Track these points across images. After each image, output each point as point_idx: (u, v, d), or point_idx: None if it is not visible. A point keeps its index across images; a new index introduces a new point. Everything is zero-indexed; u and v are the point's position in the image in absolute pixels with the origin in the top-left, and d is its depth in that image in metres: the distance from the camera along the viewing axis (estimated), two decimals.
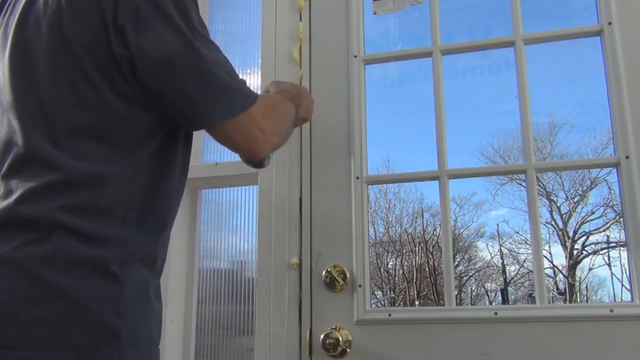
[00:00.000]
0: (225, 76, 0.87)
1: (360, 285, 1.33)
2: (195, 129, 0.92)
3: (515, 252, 16.48)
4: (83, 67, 0.80)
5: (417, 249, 16.56)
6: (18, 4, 0.89)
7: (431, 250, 16.32)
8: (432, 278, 16.13)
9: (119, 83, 0.81)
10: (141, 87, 0.82)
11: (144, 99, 0.83)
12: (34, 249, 0.75)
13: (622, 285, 14.42)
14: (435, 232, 16.21)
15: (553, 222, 15.66)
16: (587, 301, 15.14)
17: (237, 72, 0.91)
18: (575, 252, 15.34)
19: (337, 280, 1.34)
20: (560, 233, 15.51)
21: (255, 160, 0.98)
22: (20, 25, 0.86)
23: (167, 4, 0.82)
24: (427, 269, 16.35)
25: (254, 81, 1.68)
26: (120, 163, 0.82)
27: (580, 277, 15.53)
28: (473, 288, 17.41)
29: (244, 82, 0.91)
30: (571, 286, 15.04)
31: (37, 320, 0.72)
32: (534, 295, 1.36)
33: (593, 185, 15.22)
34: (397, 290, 16.85)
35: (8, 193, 0.79)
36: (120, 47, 0.80)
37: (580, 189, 15.53)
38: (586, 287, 15.82)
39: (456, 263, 15.92)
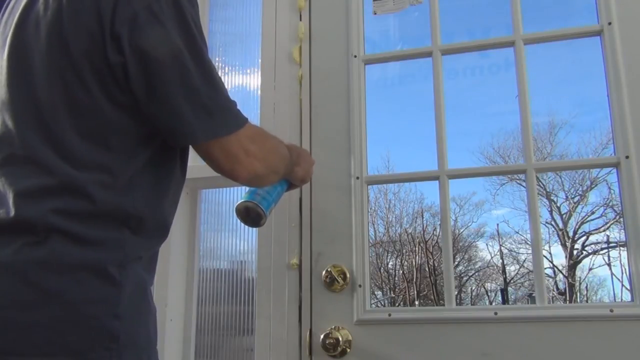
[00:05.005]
0: (215, 96, 0.85)
1: (360, 285, 1.33)
2: (178, 145, 0.90)
3: (515, 252, 16.52)
4: (79, 71, 0.80)
5: (417, 249, 16.56)
6: (18, 3, 0.89)
7: (431, 250, 16.33)
8: (432, 278, 16.14)
9: (113, 90, 0.81)
10: (133, 96, 0.82)
11: (136, 107, 0.82)
12: (30, 253, 0.74)
13: (622, 285, 14.44)
14: (435, 232, 16.23)
15: (553, 222, 15.69)
16: (587, 301, 15.15)
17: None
18: (575, 252, 15.36)
19: (337, 280, 1.34)
20: (560, 233, 15.52)
21: (236, 180, 0.94)
22: (19, 25, 0.86)
23: (165, 15, 0.81)
24: (427, 269, 16.35)
25: (253, 81, 1.68)
26: (115, 170, 0.81)
27: (580, 277, 15.56)
28: (473, 288, 17.43)
29: (234, 103, 0.89)
30: (571, 286, 15.04)
31: (35, 325, 0.72)
32: (534, 295, 1.36)
33: (593, 185, 15.25)
34: (397, 290, 16.86)
35: (2, 195, 0.79)
36: (116, 55, 0.79)
37: (580, 189, 15.57)
38: (586, 287, 15.85)
39: (456, 263, 15.92)
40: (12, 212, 0.77)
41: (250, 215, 1.13)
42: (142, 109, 0.83)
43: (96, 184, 0.79)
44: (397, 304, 16.36)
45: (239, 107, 0.91)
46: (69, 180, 0.78)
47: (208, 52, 0.88)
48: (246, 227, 1.52)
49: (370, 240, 14.01)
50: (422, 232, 16.65)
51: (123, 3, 0.80)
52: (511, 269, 16.50)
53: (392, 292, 16.81)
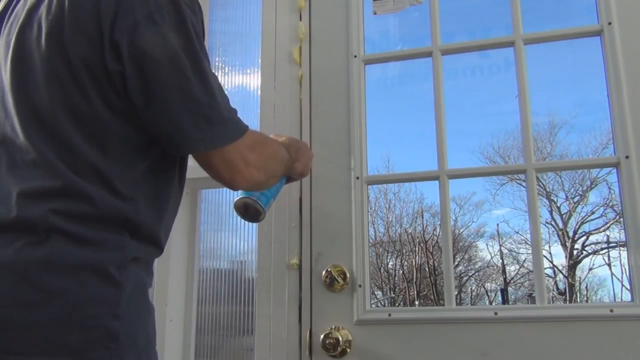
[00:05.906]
0: (215, 105, 0.85)
1: (360, 285, 1.33)
2: (177, 153, 0.90)
3: (515, 252, 16.52)
4: (78, 76, 0.80)
5: (417, 249, 16.57)
6: (22, 6, 0.89)
7: (431, 250, 16.33)
8: (432, 278, 16.14)
9: (111, 97, 0.81)
10: (132, 104, 0.82)
11: (135, 114, 0.82)
12: (31, 253, 0.74)
13: (622, 285, 14.44)
14: (435, 232, 16.23)
15: (553, 222, 15.69)
16: (587, 301, 15.15)
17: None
18: (575, 252, 15.36)
19: (337, 280, 1.34)
20: (560, 233, 15.53)
21: (235, 189, 0.96)
22: (22, 27, 0.86)
23: (166, 23, 0.81)
24: (427, 269, 16.36)
25: (253, 81, 1.68)
26: (115, 177, 0.81)
27: (580, 277, 15.57)
28: (473, 288, 17.43)
29: (234, 111, 0.89)
30: (571, 286, 15.04)
31: (35, 325, 0.72)
32: (534, 295, 1.36)
33: (593, 185, 15.26)
34: (397, 290, 16.86)
35: (6, 196, 0.79)
36: (115, 63, 0.79)
37: (580, 189, 15.58)
38: (586, 287, 15.85)
39: (456, 263, 15.93)
40: (14, 212, 0.77)
41: (249, 211, 1.13)
42: (141, 116, 0.82)
43: (97, 189, 0.79)
44: (397, 304, 16.36)
45: (238, 108, 0.90)
46: (71, 184, 0.78)
47: (209, 63, 0.87)
48: (246, 227, 1.53)
49: (370, 240, 14.02)
50: (422, 232, 16.66)
51: (124, 11, 0.80)
52: (511, 269, 16.53)
53: (392, 292, 16.82)
